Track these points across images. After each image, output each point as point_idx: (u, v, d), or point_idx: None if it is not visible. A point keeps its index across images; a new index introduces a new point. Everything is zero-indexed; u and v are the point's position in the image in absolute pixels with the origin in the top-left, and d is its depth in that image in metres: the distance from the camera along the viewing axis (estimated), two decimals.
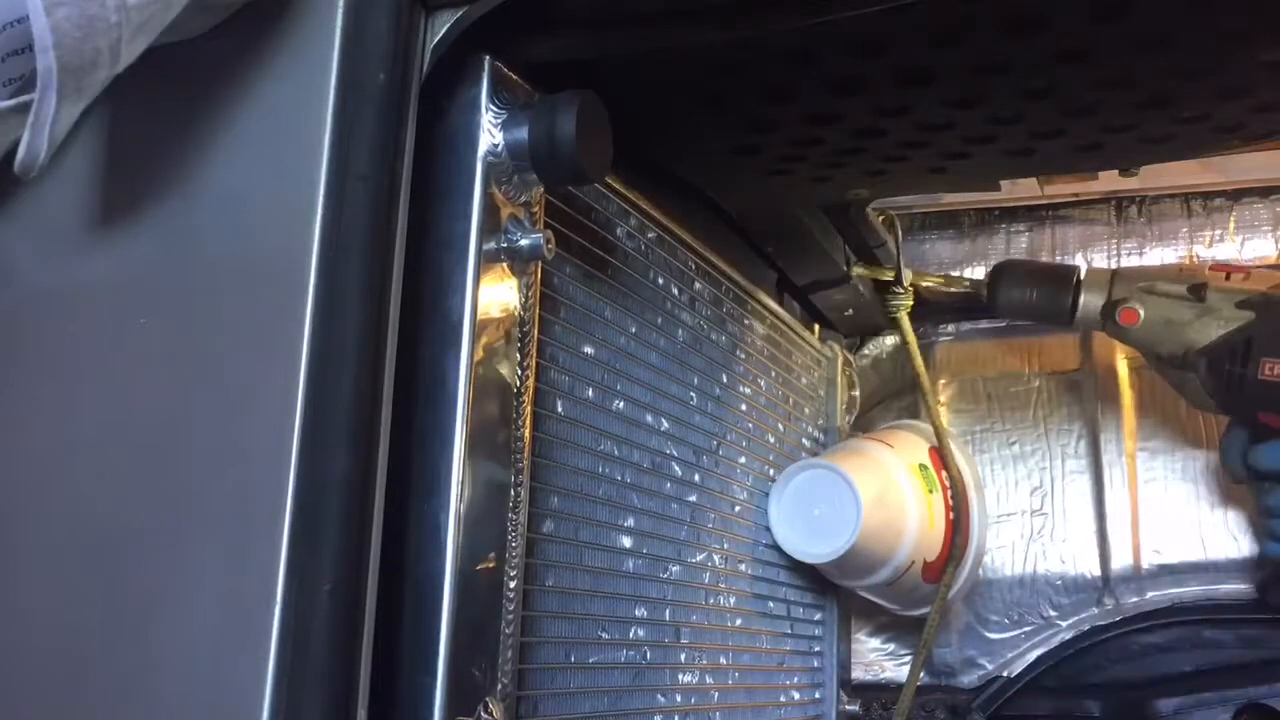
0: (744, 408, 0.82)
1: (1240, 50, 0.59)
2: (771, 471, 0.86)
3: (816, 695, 0.93)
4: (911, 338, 0.98)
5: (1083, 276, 0.94)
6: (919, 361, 0.98)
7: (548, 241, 0.54)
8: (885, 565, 0.87)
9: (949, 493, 0.92)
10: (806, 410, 0.96)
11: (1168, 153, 0.74)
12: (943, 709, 1.06)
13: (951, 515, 0.92)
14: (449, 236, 0.52)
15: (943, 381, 1.14)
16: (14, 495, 0.53)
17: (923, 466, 0.91)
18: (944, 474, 0.93)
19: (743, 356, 0.83)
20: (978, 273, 1.13)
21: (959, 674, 1.07)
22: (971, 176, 0.82)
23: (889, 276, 0.99)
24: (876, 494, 0.84)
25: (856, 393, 1.07)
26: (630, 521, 0.66)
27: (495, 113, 0.53)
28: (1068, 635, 1.05)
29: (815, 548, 0.84)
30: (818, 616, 0.95)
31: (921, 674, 1.04)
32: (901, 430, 0.98)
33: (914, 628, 1.02)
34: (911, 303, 0.99)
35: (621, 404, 0.66)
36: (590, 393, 0.63)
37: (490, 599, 0.51)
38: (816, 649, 0.94)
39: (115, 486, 0.50)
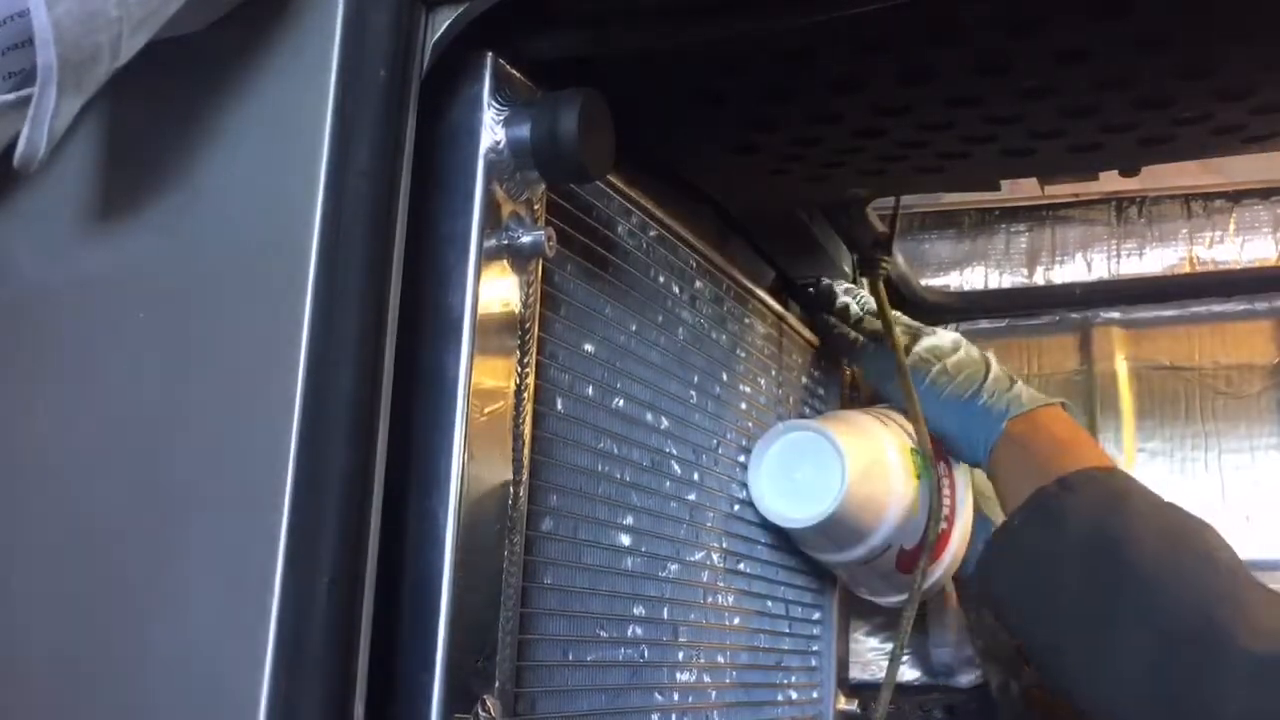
0: (744, 406, 0.82)
1: (1240, 51, 0.59)
2: None
3: (814, 695, 0.93)
4: (887, 307, 0.95)
5: None
6: (898, 334, 0.94)
7: (549, 239, 0.54)
8: (860, 543, 0.83)
9: (939, 481, 0.90)
10: (806, 410, 0.96)
11: (1168, 154, 0.74)
12: (940, 709, 1.06)
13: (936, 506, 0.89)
14: (450, 233, 0.52)
15: None
16: (13, 489, 0.53)
17: (915, 451, 0.88)
18: (940, 465, 0.90)
19: (743, 355, 0.83)
20: (978, 272, 1.14)
21: (957, 674, 1.07)
22: (971, 176, 0.82)
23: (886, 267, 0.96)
24: (864, 465, 0.81)
25: (856, 393, 1.07)
26: (629, 520, 0.66)
27: (497, 110, 0.53)
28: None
29: (794, 511, 0.80)
30: (816, 616, 0.95)
31: (919, 674, 1.04)
32: (902, 410, 0.95)
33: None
34: (889, 270, 0.97)
35: (621, 402, 0.66)
36: (590, 390, 0.63)
37: (489, 596, 0.51)
38: (814, 648, 0.94)
39: (114, 480, 0.50)
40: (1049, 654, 0.74)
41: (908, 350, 0.89)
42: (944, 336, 0.91)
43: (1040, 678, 0.80)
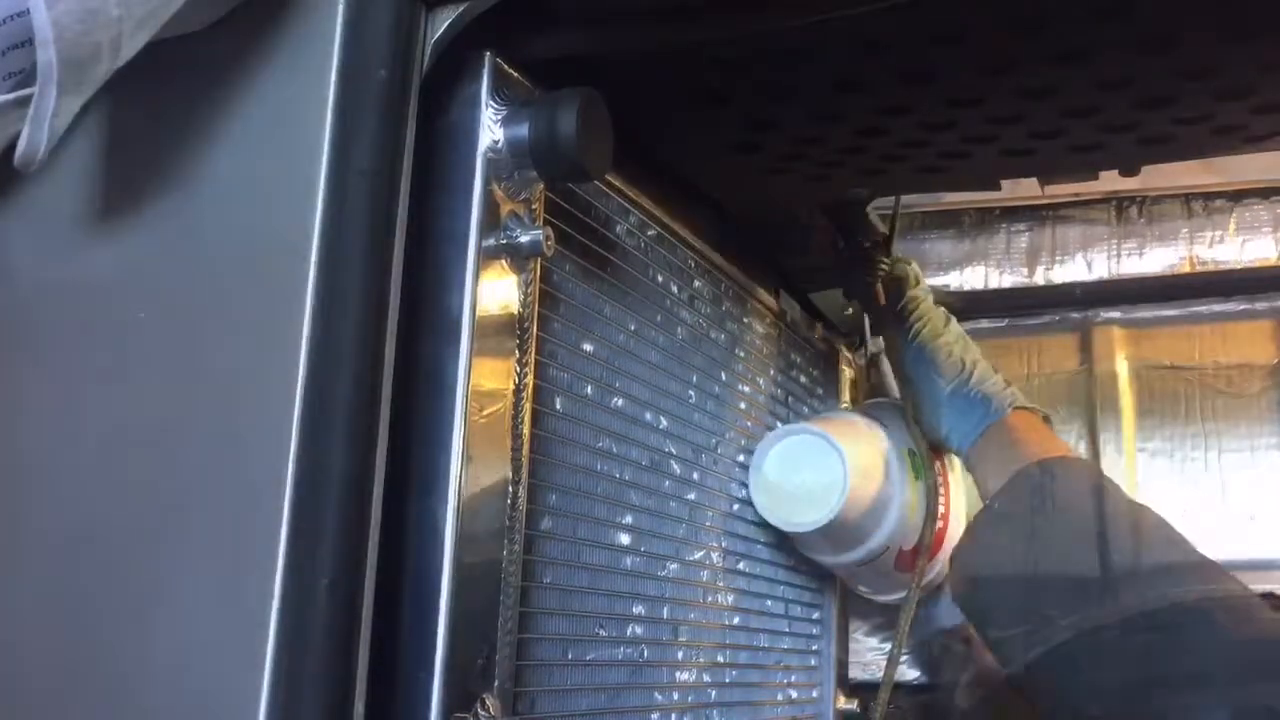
0: (743, 406, 0.82)
1: (1242, 50, 0.59)
2: None
3: (814, 694, 0.93)
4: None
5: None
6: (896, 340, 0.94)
7: (547, 238, 0.54)
8: (860, 546, 0.83)
9: (936, 482, 0.89)
10: (806, 409, 0.96)
11: (1168, 153, 0.74)
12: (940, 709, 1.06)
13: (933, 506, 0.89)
14: (449, 233, 0.52)
15: None
16: (12, 489, 0.53)
17: (912, 452, 0.88)
18: (937, 464, 0.91)
19: (742, 355, 0.83)
20: (978, 272, 1.14)
21: None
22: (972, 176, 0.82)
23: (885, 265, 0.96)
24: (864, 469, 0.81)
25: (856, 392, 1.07)
26: (629, 519, 0.66)
27: (496, 109, 0.53)
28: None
29: (796, 516, 0.80)
30: (815, 615, 0.95)
31: (919, 674, 1.04)
32: (898, 411, 0.94)
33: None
34: (889, 269, 0.97)
35: (621, 401, 0.66)
36: (589, 390, 0.63)
37: (488, 595, 0.51)
38: (814, 648, 0.94)
39: (114, 481, 0.50)
40: (1022, 633, 0.78)
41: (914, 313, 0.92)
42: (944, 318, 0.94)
43: (999, 666, 0.83)
